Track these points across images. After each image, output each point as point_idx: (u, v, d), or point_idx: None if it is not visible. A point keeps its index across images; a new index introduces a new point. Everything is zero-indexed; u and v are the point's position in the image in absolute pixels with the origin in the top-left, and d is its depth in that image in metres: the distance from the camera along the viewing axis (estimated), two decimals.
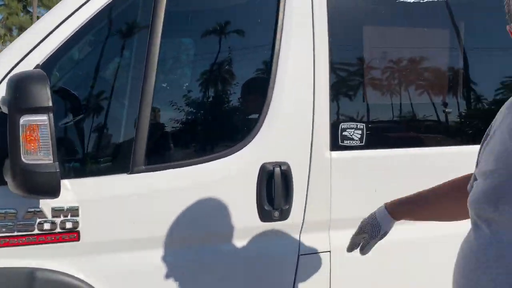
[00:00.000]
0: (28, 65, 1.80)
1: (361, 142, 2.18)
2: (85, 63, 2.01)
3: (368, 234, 1.54)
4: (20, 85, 1.53)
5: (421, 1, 2.30)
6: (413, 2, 2.27)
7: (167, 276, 1.96)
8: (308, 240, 2.15)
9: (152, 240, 1.93)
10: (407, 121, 2.37)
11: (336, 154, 2.14)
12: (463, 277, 1.10)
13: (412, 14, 2.30)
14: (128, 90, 1.98)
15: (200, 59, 2.12)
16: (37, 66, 1.81)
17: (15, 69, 1.80)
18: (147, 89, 1.89)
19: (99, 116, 1.98)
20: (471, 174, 1.33)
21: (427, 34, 2.34)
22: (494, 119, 1.25)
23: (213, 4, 2.16)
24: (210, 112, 2.11)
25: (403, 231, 2.24)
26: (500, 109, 1.25)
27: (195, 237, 2.00)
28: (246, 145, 2.04)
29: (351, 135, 2.17)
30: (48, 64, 1.82)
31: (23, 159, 1.53)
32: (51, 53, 1.81)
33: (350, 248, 1.63)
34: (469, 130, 2.51)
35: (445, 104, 2.40)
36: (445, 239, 2.27)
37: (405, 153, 2.27)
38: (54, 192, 1.59)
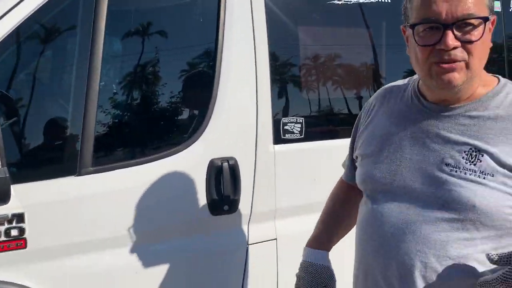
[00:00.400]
0: None
1: (301, 135, 2.32)
2: (26, 62, 1.91)
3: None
4: None
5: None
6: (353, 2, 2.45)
7: (120, 277, 1.95)
8: (256, 230, 2.25)
9: (104, 242, 1.91)
10: (342, 114, 2.57)
11: (279, 147, 2.27)
12: (383, 242, 1.24)
13: (349, 12, 2.48)
14: (73, 90, 1.93)
15: (145, 57, 2.11)
16: None
17: None
18: (91, 88, 1.86)
19: (42, 118, 1.90)
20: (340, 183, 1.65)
21: (362, 33, 2.55)
22: (368, 108, 1.45)
23: (156, 2, 2.16)
24: (157, 110, 2.12)
25: None
26: (372, 98, 1.47)
27: (147, 235, 2.01)
28: (194, 142, 2.09)
29: (292, 129, 2.31)
30: None
31: None
32: None
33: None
34: None
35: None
36: None
37: (341, 144, 2.46)
38: (4, 198, 1.53)
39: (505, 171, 1.13)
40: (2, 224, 1.72)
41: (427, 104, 1.26)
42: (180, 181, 2.06)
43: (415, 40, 1.17)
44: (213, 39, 2.15)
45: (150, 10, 2.16)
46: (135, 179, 1.98)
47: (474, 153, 1.16)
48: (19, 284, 1.76)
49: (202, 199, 2.09)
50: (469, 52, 1.13)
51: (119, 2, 2.01)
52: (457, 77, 1.14)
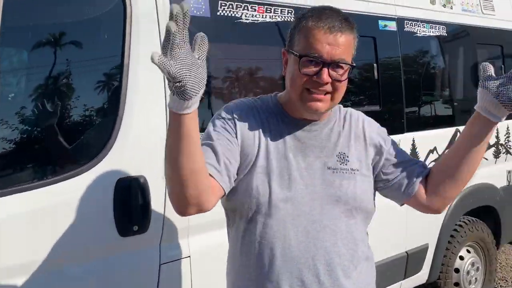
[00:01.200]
0: None
1: None
2: None
3: None
4: None
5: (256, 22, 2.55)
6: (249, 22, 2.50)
7: None
8: (169, 248, 2.22)
9: (7, 270, 1.77)
10: None
11: None
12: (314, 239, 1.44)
13: (253, 33, 2.53)
14: None
15: (49, 73, 1.98)
16: None
17: None
18: None
19: None
20: None
21: (270, 49, 2.62)
22: (230, 119, 1.44)
23: (58, 16, 2.04)
24: (61, 128, 2.00)
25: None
26: (230, 112, 1.47)
27: (53, 260, 1.89)
28: (100, 161, 2.01)
29: None
30: None
31: None
32: None
33: None
34: None
35: None
36: None
37: None
38: None
39: (362, 165, 1.51)
40: None
41: (295, 120, 1.49)
42: (86, 202, 1.97)
43: (298, 67, 1.38)
44: (119, 54, 2.09)
45: (54, 23, 2.04)
46: (36, 204, 1.85)
47: (342, 156, 1.49)
48: None
49: (110, 220, 2.02)
50: (335, 88, 1.40)
51: (19, 14, 1.88)
52: (321, 106, 1.41)
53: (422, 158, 3.31)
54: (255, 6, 2.50)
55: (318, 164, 1.46)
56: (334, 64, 1.37)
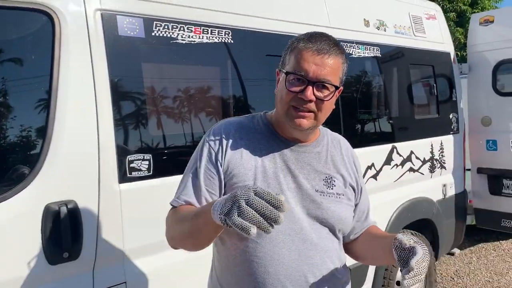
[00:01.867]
0: None
1: (149, 171, 2.29)
2: None
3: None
4: None
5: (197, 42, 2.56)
6: (187, 43, 2.51)
7: None
8: (103, 274, 2.14)
9: None
10: (190, 148, 2.59)
11: (125, 186, 2.20)
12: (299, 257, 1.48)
13: (189, 53, 2.53)
14: None
15: None
16: None
17: None
18: None
19: None
20: None
21: (205, 70, 2.62)
22: (219, 141, 1.51)
23: None
24: None
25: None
26: (220, 132, 1.53)
27: None
28: (27, 185, 1.92)
29: (139, 166, 2.26)
30: None
31: None
32: None
33: None
34: None
35: None
36: None
37: None
38: None
39: (348, 189, 1.58)
40: None
41: (286, 141, 1.54)
42: (12, 229, 1.87)
43: (285, 84, 1.44)
44: (48, 75, 2.03)
45: None
46: None
47: (329, 180, 1.55)
48: None
49: (38, 248, 1.92)
50: (318, 107, 1.44)
51: None
52: (305, 123, 1.45)
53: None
54: (191, 27, 2.51)
55: (307, 185, 1.50)
56: (319, 84, 1.42)
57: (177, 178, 2.39)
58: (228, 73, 2.72)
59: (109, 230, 2.14)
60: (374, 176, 3.56)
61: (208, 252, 1.88)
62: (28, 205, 1.91)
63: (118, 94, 2.23)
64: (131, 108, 2.32)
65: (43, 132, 1.99)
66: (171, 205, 1.58)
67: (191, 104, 2.56)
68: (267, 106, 1.69)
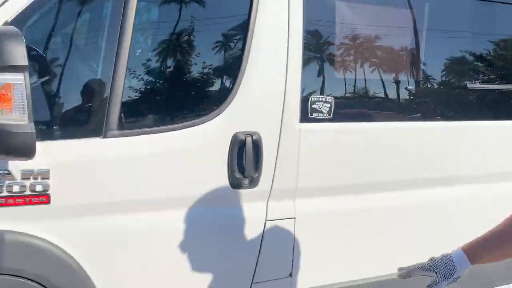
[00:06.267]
0: None
1: (329, 115, 2.27)
2: (58, 23, 1.94)
3: (440, 275, 1.41)
4: None
5: None
6: None
7: (136, 240, 1.99)
8: (275, 207, 2.24)
9: (122, 205, 1.95)
10: (373, 97, 2.49)
11: (305, 126, 2.23)
12: None
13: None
14: (103, 53, 1.94)
15: (178, 27, 2.09)
16: (5, 23, 1.73)
17: None
18: (121, 52, 1.86)
19: (73, 78, 1.94)
20: None
21: (395, 13, 2.44)
22: None
23: None
24: (186, 80, 2.11)
25: (365, 201, 2.41)
26: None
27: (166, 202, 2.03)
28: (220, 114, 2.08)
29: (320, 108, 2.26)
30: (18, 22, 1.74)
31: None
32: (22, 10, 1.74)
33: (404, 276, 1.49)
34: (429, 106, 2.67)
35: (409, 81, 2.55)
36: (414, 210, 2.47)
37: (371, 127, 2.40)
38: (29, 153, 1.56)
39: None
40: (28, 178, 1.77)
41: None
42: (202, 151, 2.06)
43: None
44: (245, 11, 2.11)
45: None
46: (158, 146, 1.99)
47: None
48: (41, 238, 1.82)
49: (223, 172, 2.09)
50: None
51: None
52: None
53: None
54: None
55: None
56: None
57: (357, 125, 2.39)
58: (424, 19, 2.48)
59: (286, 166, 2.21)
60: None
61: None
62: (220, 131, 2.07)
63: (309, 37, 2.23)
64: (320, 49, 2.30)
65: (238, 65, 2.10)
66: None
67: (382, 51, 2.43)
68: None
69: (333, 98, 2.28)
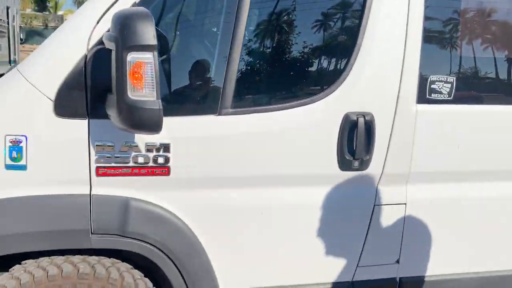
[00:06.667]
0: (125, 3, 1.84)
1: (450, 96, 2.11)
2: (178, 5, 2.02)
3: None
4: (127, 22, 1.57)
5: None
6: None
7: (249, 215, 2.05)
8: (385, 191, 2.16)
9: (235, 180, 2.01)
10: (500, 78, 2.26)
11: (422, 107, 2.10)
12: None
13: None
14: (220, 34, 1.99)
15: (290, 5, 2.07)
16: (134, 4, 1.84)
17: (114, 6, 1.84)
18: (237, 35, 1.89)
19: (191, 58, 2.02)
20: None
21: None
22: None
23: None
24: (298, 59, 2.09)
25: (483, 190, 2.23)
26: None
27: (274, 180, 2.06)
28: (332, 93, 2.03)
29: (440, 89, 2.10)
30: (144, 3, 1.84)
31: (129, 95, 1.60)
32: None
33: None
34: None
35: None
36: None
37: (495, 110, 2.19)
38: (157, 128, 1.67)
39: None
40: (151, 151, 1.90)
41: None
42: (312, 131, 2.04)
43: None
44: None
45: None
46: (270, 124, 2.01)
47: None
48: (161, 207, 1.96)
49: (333, 152, 2.06)
50: None
51: None
52: None
53: None
54: None
55: None
56: None
57: (478, 108, 2.19)
58: None
59: (399, 149, 2.11)
60: None
61: None
62: (331, 111, 2.03)
63: (431, 12, 2.07)
64: (441, 25, 2.13)
65: (353, 43, 2.02)
66: None
67: (508, 30, 2.18)
68: None
69: (454, 78, 2.11)
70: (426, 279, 2.28)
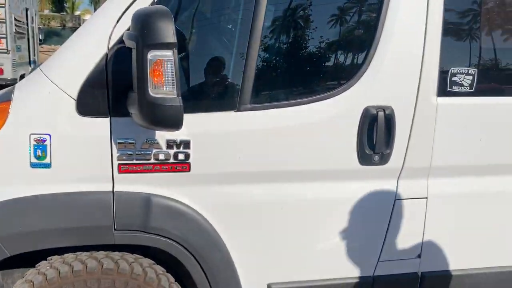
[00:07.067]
0: (145, 2, 1.86)
1: (471, 88, 2.08)
2: (196, 2, 2.03)
3: None
4: (148, 20, 1.59)
5: None
6: None
7: (269, 210, 2.06)
8: (406, 185, 2.15)
9: (255, 175, 2.02)
10: None
11: (443, 100, 2.07)
12: None
13: None
14: (238, 31, 2.00)
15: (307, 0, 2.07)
16: (153, 3, 1.86)
17: (133, 5, 1.86)
18: (254, 33, 1.90)
19: (209, 55, 2.03)
20: None
21: None
22: None
23: None
24: (316, 53, 2.09)
25: (505, 183, 2.19)
26: None
27: (294, 175, 2.06)
28: (351, 87, 2.02)
29: (461, 81, 2.08)
30: (163, 1, 1.86)
31: (150, 92, 1.62)
32: None
33: None
34: None
35: None
36: None
37: None
38: (177, 124, 1.68)
39: None
40: (172, 148, 1.92)
41: None
42: (332, 125, 2.04)
43: None
44: None
45: None
46: (288, 120, 2.01)
47: None
48: (181, 202, 1.98)
49: (352, 147, 2.05)
50: None
51: None
52: None
53: None
54: None
55: None
56: None
57: (501, 100, 2.16)
58: None
59: (420, 143, 2.09)
60: None
61: None
62: (350, 105, 2.02)
63: (451, 3, 2.03)
64: (461, 16, 2.10)
65: (372, 36, 2.01)
66: None
67: None
68: None
69: (476, 70, 2.08)
70: (447, 273, 2.26)
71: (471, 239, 2.26)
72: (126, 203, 1.93)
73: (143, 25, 1.60)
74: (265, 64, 2.03)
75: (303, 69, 2.10)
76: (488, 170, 2.21)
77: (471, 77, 2.07)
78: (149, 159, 1.92)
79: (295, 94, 2.08)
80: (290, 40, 2.12)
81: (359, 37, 2.13)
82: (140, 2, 1.86)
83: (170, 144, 1.91)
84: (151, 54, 1.59)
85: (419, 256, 2.21)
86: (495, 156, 2.19)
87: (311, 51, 2.12)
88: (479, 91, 2.09)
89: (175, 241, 1.99)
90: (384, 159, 2.06)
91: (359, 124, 2.03)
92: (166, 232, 1.97)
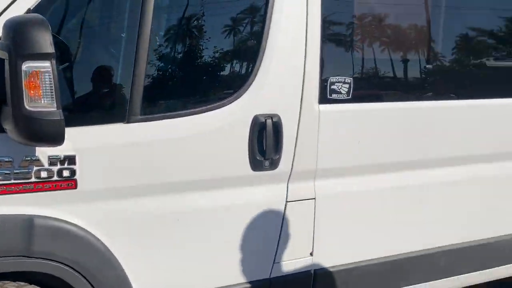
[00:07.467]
0: (18, 10, 1.74)
1: (348, 95, 2.27)
2: (79, 10, 1.95)
3: None
4: (20, 29, 1.49)
5: None
6: None
7: (164, 222, 2.03)
8: (295, 188, 2.27)
9: (147, 188, 1.98)
10: (392, 76, 2.48)
11: (324, 107, 2.23)
12: None
13: None
14: (124, 39, 1.95)
15: (195, 10, 2.09)
16: (28, 11, 1.74)
17: (4, 14, 1.73)
18: (142, 40, 1.87)
19: (95, 65, 1.95)
20: None
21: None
22: None
23: None
24: (206, 64, 2.12)
25: (384, 181, 2.42)
26: None
27: (188, 185, 2.06)
28: (240, 97, 2.09)
29: (339, 89, 2.26)
30: (40, 9, 1.75)
31: (26, 106, 1.51)
32: None
33: None
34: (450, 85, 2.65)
35: (429, 60, 2.53)
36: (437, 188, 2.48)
37: (389, 107, 2.40)
38: (58, 139, 1.59)
39: None
40: (55, 164, 1.81)
41: None
42: (223, 134, 2.08)
43: None
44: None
45: None
46: (180, 130, 2.01)
47: None
48: (69, 222, 1.87)
49: (245, 154, 2.11)
50: None
51: None
52: None
53: None
54: None
55: None
56: None
57: (375, 106, 2.39)
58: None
59: (306, 147, 2.23)
60: None
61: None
62: (240, 114, 2.09)
63: (328, 17, 2.22)
64: (338, 30, 2.29)
65: (257, 48, 2.10)
66: None
67: (400, 32, 2.41)
68: None
69: (352, 79, 2.28)
70: (338, 268, 2.42)
71: (358, 234, 2.44)
72: (5, 227, 1.77)
73: (16, 34, 1.49)
74: (154, 73, 2.02)
75: (193, 79, 2.12)
76: (368, 170, 2.42)
77: (347, 85, 2.27)
78: (30, 178, 1.78)
79: (186, 104, 2.09)
80: (179, 49, 2.13)
81: (246, 48, 2.21)
82: (13, 9, 1.74)
83: (52, 160, 1.80)
84: (26, 65, 1.49)
85: (311, 254, 2.34)
86: (371, 157, 2.40)
87: (200, 61, 2.15)
88: (355, 97, 2.29)
89: (63, 263, 1.87)
90: (274, 164, 2.16)
91: (250, 132, 2.10)
92: (52, 255, 1.84)
